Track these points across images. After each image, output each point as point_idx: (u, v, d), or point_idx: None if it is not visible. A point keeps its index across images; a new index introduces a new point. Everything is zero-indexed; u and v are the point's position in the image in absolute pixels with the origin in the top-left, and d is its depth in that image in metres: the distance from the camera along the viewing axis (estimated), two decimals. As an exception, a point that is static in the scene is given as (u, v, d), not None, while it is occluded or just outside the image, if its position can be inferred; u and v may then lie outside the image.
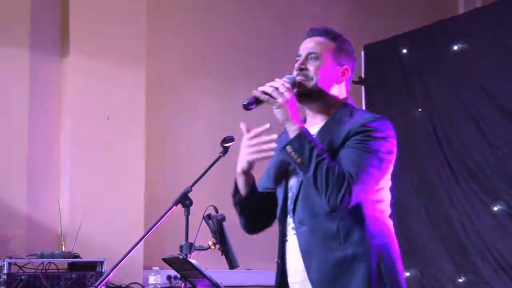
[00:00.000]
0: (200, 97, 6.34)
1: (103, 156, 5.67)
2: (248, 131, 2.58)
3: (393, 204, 6.68)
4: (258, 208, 2.67)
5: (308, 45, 2.63)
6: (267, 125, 2.53)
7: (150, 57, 6.02)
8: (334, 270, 2.42)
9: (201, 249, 4.41)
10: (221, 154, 3.09)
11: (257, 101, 2.51)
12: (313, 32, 2.67)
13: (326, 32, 2.66)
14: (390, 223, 2.58)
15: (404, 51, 6.37)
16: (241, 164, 2.61)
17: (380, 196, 2.59)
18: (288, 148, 2.41)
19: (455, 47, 5.89)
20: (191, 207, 3.94)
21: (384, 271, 2.45)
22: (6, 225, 5.43)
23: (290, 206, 2.55)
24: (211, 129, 6.15)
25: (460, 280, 5.60)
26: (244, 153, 2.57)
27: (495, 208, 5.47)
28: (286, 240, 2.57)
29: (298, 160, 2.39)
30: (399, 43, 6.43)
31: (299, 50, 2.67)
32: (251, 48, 6.50)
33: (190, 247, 4.41)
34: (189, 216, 4.54)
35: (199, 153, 5.97)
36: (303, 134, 2.42)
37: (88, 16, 5.77)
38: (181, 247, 4.48)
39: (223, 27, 6.57)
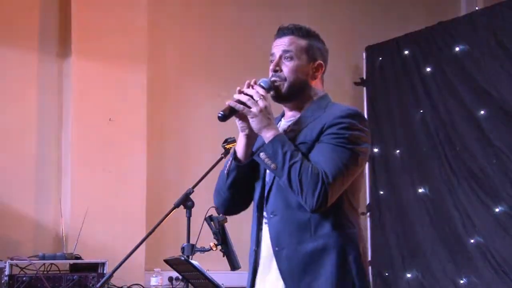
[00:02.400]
0: (202, 98, 6.33)
1: (105, 157, 5.67)
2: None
3: (395, 205, 6.73)
4: (248, 185, 2.64)
5: (280, 45, 2.64)
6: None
7: (152, 58, 6.02)
8: (304, 261, 2.43)
9: (203, 250, 4.42)
10: (222, 155, 3.10)
11: (231, 112, 2.51)
12: (283, 31, 2.66)
13: (296, 30, 2.65)
14: (358, 214, 2.58)
15: (406, 52, 6.38)
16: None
17: (351, 187, 2.53)
18: (262, 154, 2.44)
19: (457, 49, 5.90)
20: (193, 209, 3.95)
21: (352, 262, 2.46)
22: (7, 227, 5.43)
23: (265, 195, 2.57)
24: (213, 131, 6.14)
25: (461, 281, 5.61)
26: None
27: (497, 210, 5.47)
28: (261, 229, 2.58)
29: (272, 166, 2.42)
30: (401, 44, 6.45)
31: (272, 49, 2.67)
32: (252, 48, 6.50)
33: (192, 248, 4.42)
34: (191, 217, 4.55)
35: (200, 154, 5.98)
36: (277, 139, 2.44)
37: (89, 17, 5.76)
38: (183, 248, 4.48)
39: (224, 27, 6.57)
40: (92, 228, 5.46)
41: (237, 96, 2.49)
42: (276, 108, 2.64)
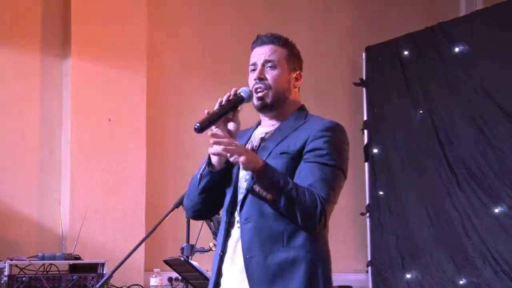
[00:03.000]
0: (201, 98, 6.33)
1: (104, 157, 5.68)
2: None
3: (394, 206, 6.71)
4: (220, 191, 2.63)
5: (262, 53, 2.64)
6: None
7: (151, 58, 6.02)
8: (273, 271, 2.43)
9: (202, 250, 4.43)
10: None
11: (209, 123, 2.49)
12: (263, 40, 2.67)
13: (276, 39, 2.66)
14: (328, 229, 2.58)
15: (406, 52, 6.38)
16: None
17: None
18: (256, 187, 2.42)
19: (456, 49, 5.90)
20: (192, 209, 3.94)
21: (320, 275, 2.47)
22: (7, 227, 5.43)
23: (239, 200, 2.55)
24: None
25: (461, 282, 5.60)
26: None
27: (496, 210, 5.47)
28: (230, 235, 2.56)
29: (268, 196, 2.41)
30: (400, 45, 6.44)
31: (252, 58, 2.69)
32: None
33: (191, 248, 4.42)
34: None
35: (200, 155, 5.96)
36: (266, 170, 2.42)
37: (89, 18, 5.77)
38: (182, 249, 4.49)
39: (224, 27, 6.57)
40: (92, 229, 5.46)
41: (217, 146, 2.42)
42: (248, 116, 2.66)
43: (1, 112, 5.56)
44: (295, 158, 2.48)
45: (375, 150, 6.52)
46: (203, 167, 2.63)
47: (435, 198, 5.96)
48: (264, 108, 2.61)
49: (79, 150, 5.62)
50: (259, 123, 2.70)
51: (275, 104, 2.60)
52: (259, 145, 2.60)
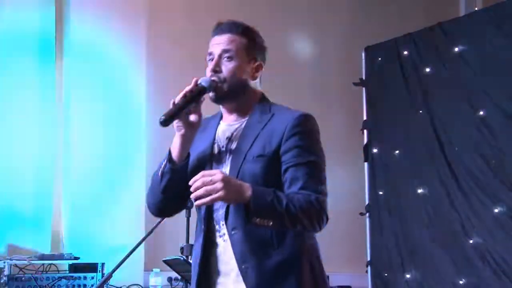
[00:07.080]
0: (201, 99, 6.34)
1: (103, 157, 5.68)
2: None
3: (394, 206, 6.70)
4: (184, 186, 2.45)
5: (219, 44, 2.54)
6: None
7: (151, 58, 6.03)
8: (271, 275, 2.41)
9: (202, 250, 4.41)
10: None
11: (174, 115, 2.47)
12: (222, 28, 2.57)
13: (235, 27, 2.56)
14: None
15: (405, 52, 6.37)
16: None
17: None
18: (255, 220, 2.34)
19: (456, 49, 5.89)
20: (192, 209, 3.95)
21: (317, 269, 2.49)
22: (7, 227, 5.44)
23: (219, 210, 2.47)
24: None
25: (461, 282, 5.60)
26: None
27: (496, 210, 5.47)
28: (214, 245, 2.50)
29: (270, 223, 2.35)
30: (400, 45, 6.43)
31: (209, 48, 2.58)
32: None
33: (191, 248, 4.42)
34: (190, 217, 4.56)
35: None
36: (255, 197, 2.33)
37: (88, 16, 5.77)
38: (182, 248, 4.50)
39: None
40: (91, 228, 5.46)
41: (193, 188, 2.31)
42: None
43: (0, 111, 5.57)
44: (272, 159, 2.43)
45: (375, 150, 6.52)
46: (163, 163, 2.56)
47: (435, 198, 5.95)
48: (218, 100, 2.53)
49: (79, 149, 5.62)
50: (220, 117, 2.63)
51: (230, 95, 2.52)
52: (227, 146, 2.53)
